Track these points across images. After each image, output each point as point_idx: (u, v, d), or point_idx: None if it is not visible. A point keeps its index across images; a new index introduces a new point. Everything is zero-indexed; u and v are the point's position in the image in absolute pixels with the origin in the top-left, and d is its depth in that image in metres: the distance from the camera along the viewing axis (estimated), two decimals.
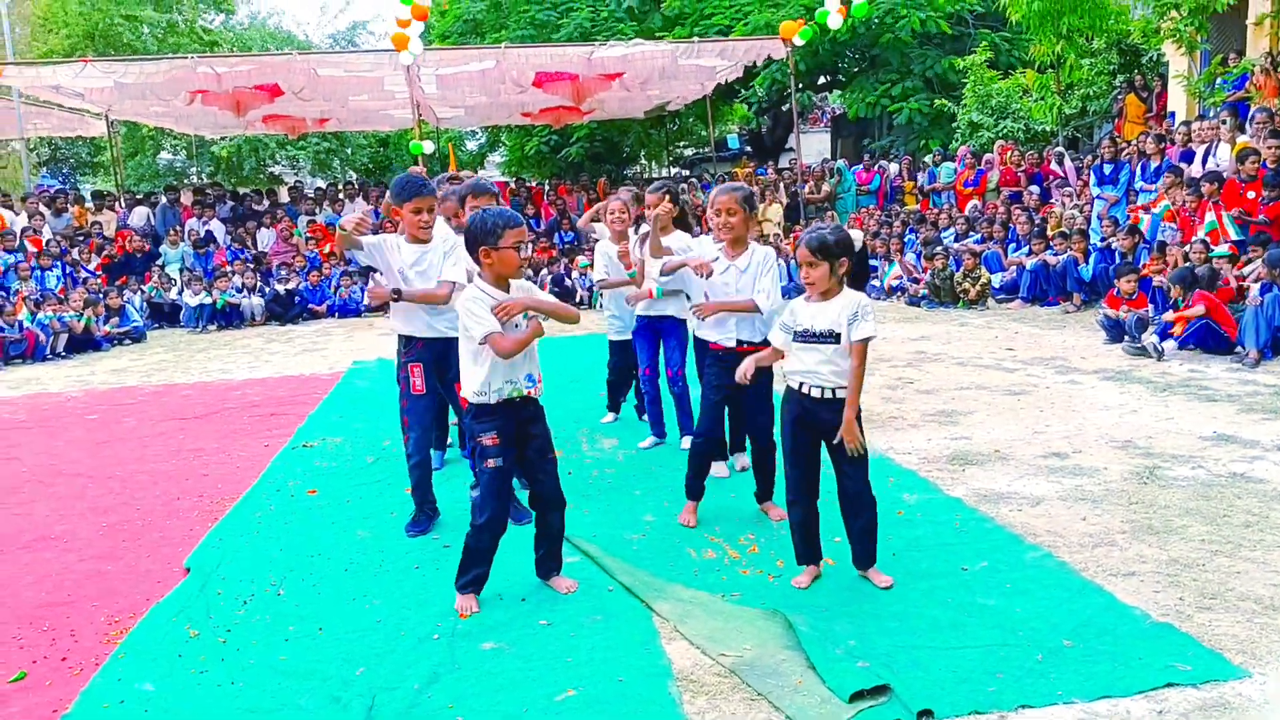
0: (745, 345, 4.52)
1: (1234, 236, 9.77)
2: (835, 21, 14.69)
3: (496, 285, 3.79)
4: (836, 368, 3.74)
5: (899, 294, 13.20)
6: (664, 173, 25.50)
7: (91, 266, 14.92)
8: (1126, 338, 8.54)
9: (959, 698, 3.01)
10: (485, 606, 3.84)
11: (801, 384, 3.82)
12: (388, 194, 4.92)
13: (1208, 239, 9.82)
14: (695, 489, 4.75)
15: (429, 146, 16.10)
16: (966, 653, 3.29)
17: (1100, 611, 3.55)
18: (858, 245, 3.83)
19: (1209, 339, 8.21)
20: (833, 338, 3.73)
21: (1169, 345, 8.25)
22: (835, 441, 3.77)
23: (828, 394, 3.77)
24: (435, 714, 3.10)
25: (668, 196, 5.38)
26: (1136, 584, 3.77)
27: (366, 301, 14.21)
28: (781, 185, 17.62)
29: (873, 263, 14.48)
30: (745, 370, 4.04)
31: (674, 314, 5.78)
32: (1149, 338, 8.41)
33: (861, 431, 3.77)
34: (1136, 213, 11.64)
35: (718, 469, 5.44)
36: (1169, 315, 8.50)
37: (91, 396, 9.13)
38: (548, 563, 4.05)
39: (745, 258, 4.58)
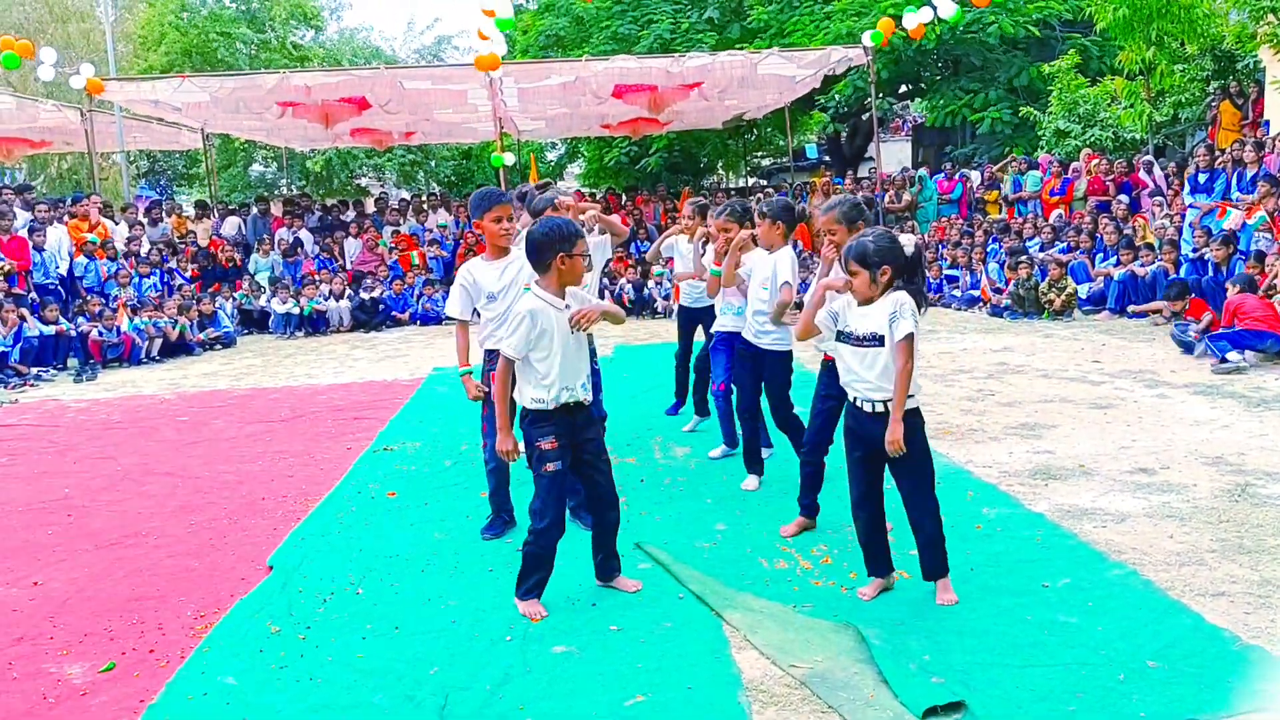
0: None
1: None
2: (916, 20, 14.46)
3: (557, 292, 3.85)
4: (883, 374, 3.71)
5: (981, 304, 12.94)
6: (741, 183, 25.40)
7: (187, 274, 15.46)
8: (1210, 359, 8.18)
9: (1036, 717, 2.94)
10: (555, 611, 3.88)
11: (855, 397, 3.83)
12: (471, 209, 4.99)
13: None
14: (809, 508, 4.74)
15: (509, 158, 16.34)
16: (1045, 671, 3.22)
17: (1187, 632, 3.44)
18: (909, 251, 3.74)
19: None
20: (877, 341, 3.71)
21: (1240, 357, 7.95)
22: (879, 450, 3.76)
23: (878, 408, 3.75)
24: (506, 715, 3.14)
25: (734, 220, 5.50)
26: (1226, 604, 3.64)
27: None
28: (860, 195, 17.43)
29: (953, 272, 14.25)
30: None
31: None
32: (1234, 355, 8.12)
33: (923, 439, 3.73)
34: (1223, 211, 11.25)
35: (748, 482, 5.47)
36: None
37: (183, 399, 9.45)
38: (609, 564, 4.10)
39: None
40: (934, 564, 3.85)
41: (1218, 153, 12.42)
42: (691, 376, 6.99)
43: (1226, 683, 3.07)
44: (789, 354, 5.18)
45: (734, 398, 5.80)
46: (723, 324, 5.86)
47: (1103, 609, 3.66)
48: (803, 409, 5.10)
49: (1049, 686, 3.12)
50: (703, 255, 6.09)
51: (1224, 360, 7.91)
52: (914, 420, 3.78)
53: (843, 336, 3.84)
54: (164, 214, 17.48)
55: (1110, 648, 3.35)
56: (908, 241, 3.78)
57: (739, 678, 3.29)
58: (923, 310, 3.77)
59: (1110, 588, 3.86)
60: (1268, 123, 14.12)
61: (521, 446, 3.96)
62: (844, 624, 3.64)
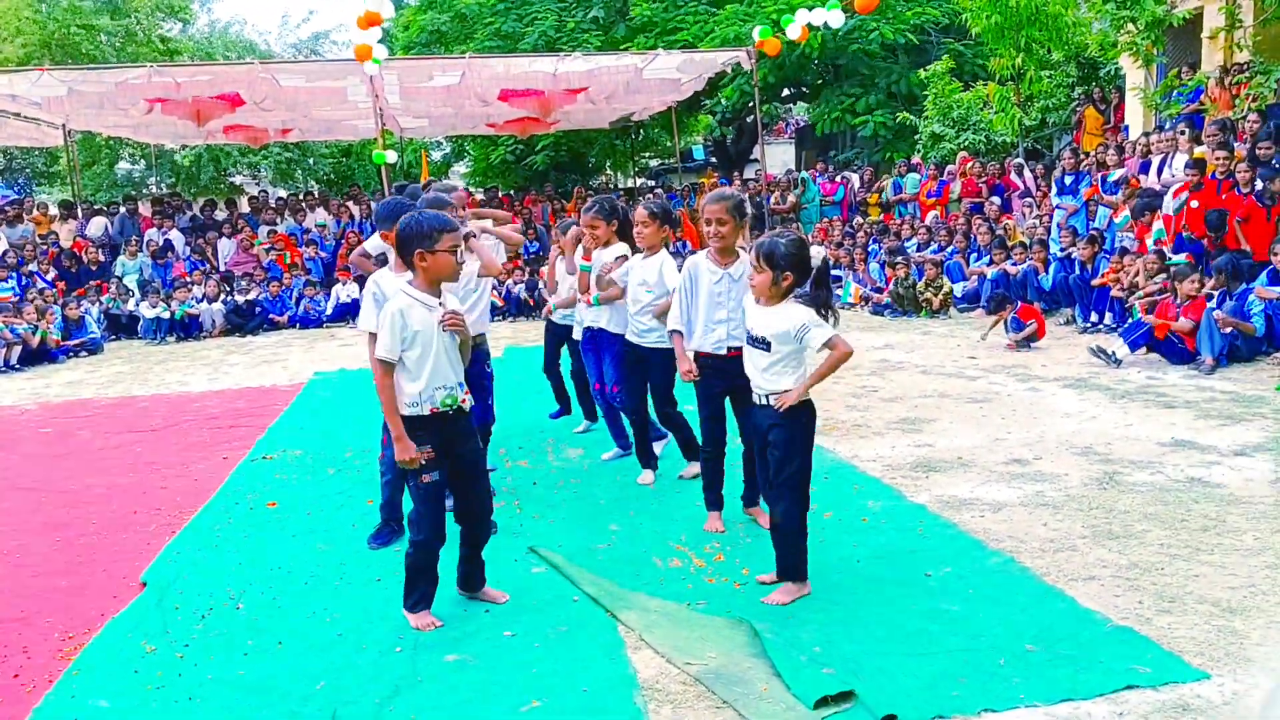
0: (735, 350, 4.39)
1: (1171, 246, 9.95)
2: (794, 32, 14.78)
3: (429, 290, 3.70)
4: (765, 373, 3.87)
5: (864, 303, 13.29)
6: (629, 183, 25.51)
7: (49, 277, 14.67)
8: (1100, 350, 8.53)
9: (923, 703, 3.02)
10: (447, 619, 3.80)
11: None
12: (377, 219, 4.78)
13: (1160, 246, 10.00)
14: (713, 500, 4.77)
15: (392, 156, 16.01)
16: (930, 658, 3.31)
17: (1062, 616, 3.58)
18: (816, 262, 3.83)
19: (1161, 344, 8.33)
20: (764, 344, 3.83)
21: (1122, 350, 8.35)
22: (767, 439, 3.90)
23: (761, 400, 3.91)
24: None
25: (601, 217, 5.56)
26: (1097, 588, 3.80)
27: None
28: (747, 196, 17.68)
29: (836, 272, 14.59)
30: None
31: (610, 328, 5.70)
32: (1111, 342, 8.54)
33: (804, 430, 3.86)
34: (1092, 196, 11.86)
35: (644, 477, 5.51)
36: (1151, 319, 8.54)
37: (46, 409, 8.96)
38: (476, 576, 3.99)
39: (737, 266, 4.52)
40: (782, 562, 3.89)
41: (1082, 156, 13.03)
42: (570, 385, 6.95)
43: (1100, 663, 3.20)
44: (671, 350, 5.19)
45: (619, 395, 5.78)
46: (587, 319, 5.83)
47: (983, 596, 3.79)
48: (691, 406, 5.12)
49: (934, 673, 3.20)
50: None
51: (1110, 355, 8.26)
52: (805, 413, 3.87)
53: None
54: (23, 213, 16.55)
55: (991, 633, 3.47)
56: (817, 253, 3.86)
57: (635, 678, 3.28)
58: (833, 320, 3.85)
59: (989, 575, 3.99)
60: (1127, 127, 14.90)
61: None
62: (737, 620, 3.67)
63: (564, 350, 6.85)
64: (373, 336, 4.44)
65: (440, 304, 3.71)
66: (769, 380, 3.84)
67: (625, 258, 5.50)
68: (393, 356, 3.61)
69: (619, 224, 5.63)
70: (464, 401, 3.76)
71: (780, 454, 3.83)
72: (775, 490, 3.88)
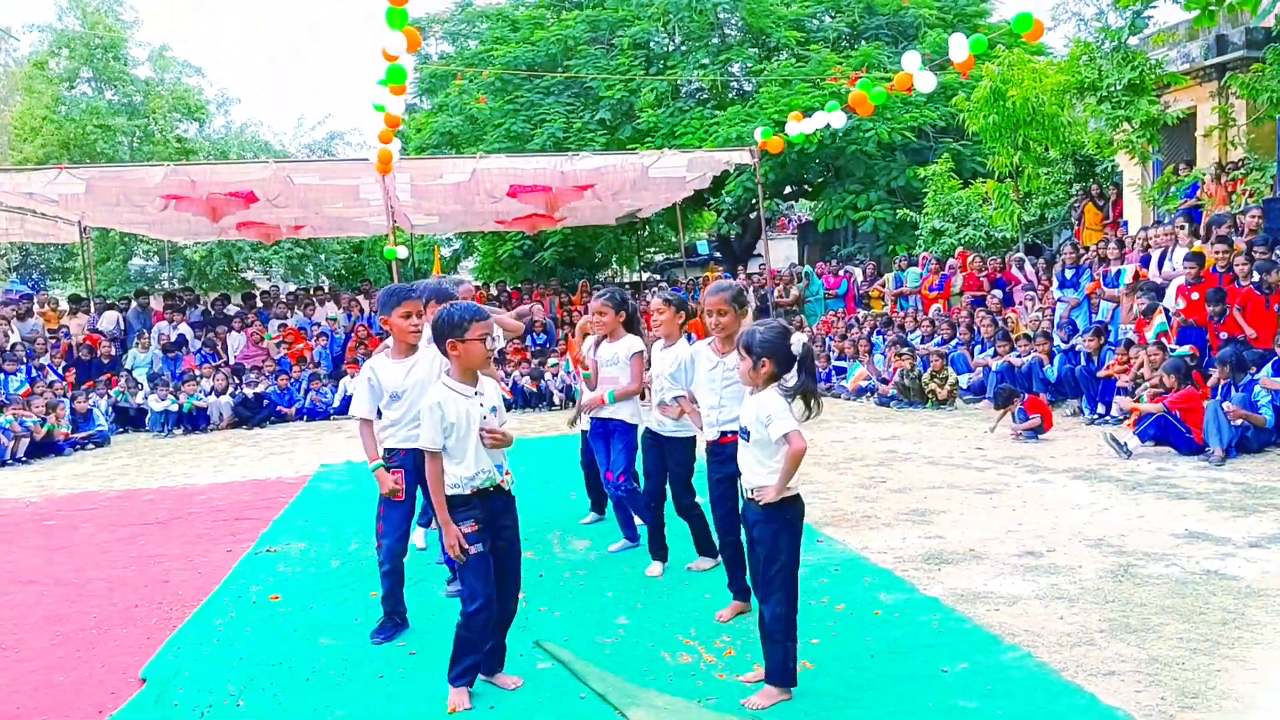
0: (726, 436, 4.49)
1: (1176, 338, 10.00)
2: (794, 129, 15.15)
3: (463, 379, 3.84)
4: (745, 466, 3.86)
5: (869, 394, 13.30)
6: (635, 277, 25.81)
7: (60, 371, 14.77)
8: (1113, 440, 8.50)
9: None
10: (472, 708, 3.72)
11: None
12: (380, 305, 4.89)
13: (1163, 339, 10.04)
14: (738, 588, 4.77)
15: (403, 252, 16.25)
16: None
17: (1083, 713, 3.49)
18: (796, 349, 3.80)
19: (1171, 435, 8.30)
20: (744, 434, 3.85)
21: (1133, 441, 8.32)
22: (753, 535, 3.86)
23: (746, 493, 3.89)
24: None
25: (611, 306, 5.66)
26: (1117, 684, 3.72)
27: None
28: (751, 289, 17.87)
29: (840, 363, 14.64)
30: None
31: (624, 418, 5.74)
32: (1123, 433, 8.51)
33: (786, 529, 3.76)
34: (1095, 291, 11.95)
35: (653, 569, 5.47)
36: (1128, 403, 8.55)
37: (50, 502, 8.92)
38: (494, 657, 3.98)
39: (733, 356, 4.57)
40: (769, 664, 3.77)
41: (1082, 250, 13.19)
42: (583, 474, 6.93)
43: None
44: (692, 440, 5.20)
45: (625, 485, 5.76)
46: (595, 411, 5.85)
47: (1000, 692, 3.70)
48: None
49: None
50: (594, 351, 6.04)
51: (1121, 445, 8.24)
52: (789, 508, 3.79)
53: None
54: (33, 308, 16.74)
55: None
56: (797, 340, 3.83)
57: None
58: (815, 410, 3.81)
59: (1006, 671, 3.91)
60: (1125, 223, 15.11)
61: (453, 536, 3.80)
62: (751, 717, 3.58)
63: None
64: (364, 422, 4.62)
65: (478, 393, 3.85)
66: (749, 474, 3.84)
67: (641, 354, 5.58)
68: (436, 446, 3.75)
69: (627, 316, 5.72)
70: (503, 482, 3.92)
71: (764, 551, 3.77)
72: (763, 590, 3.81)
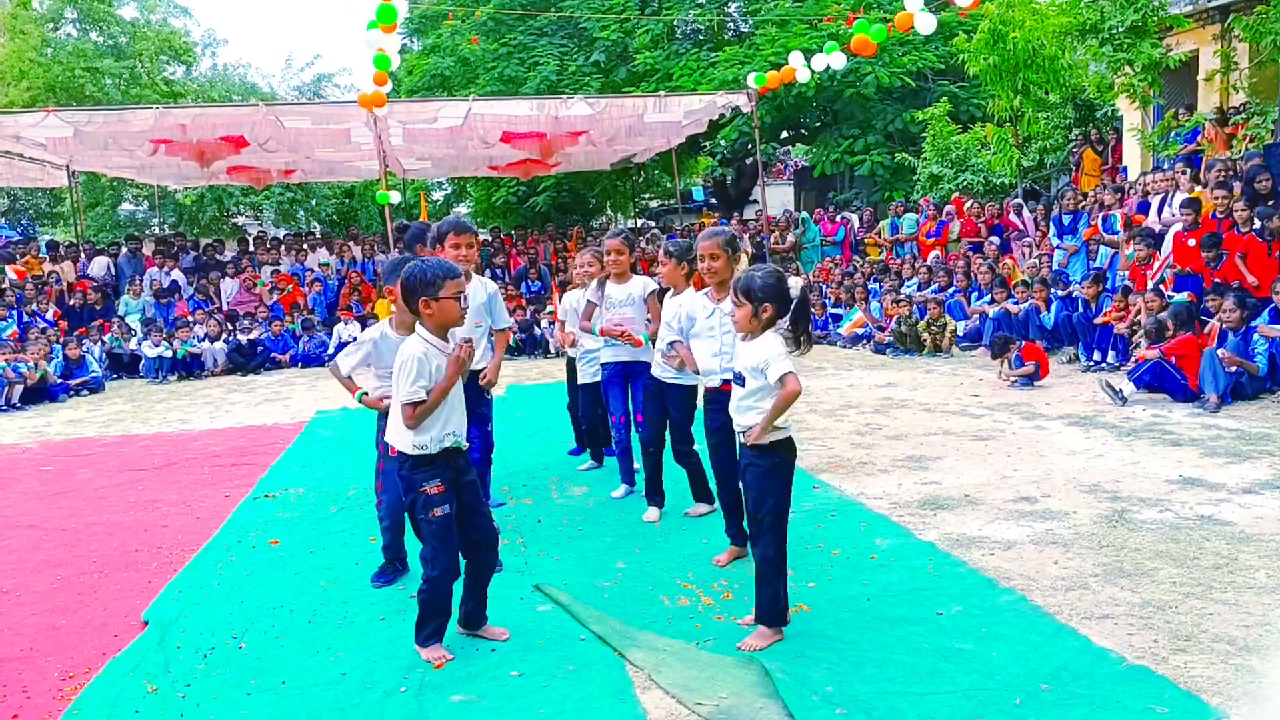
0: (728, 385, 4.46)
1: (1173, 285, 10.00)
2: (802, 75, 14.93)
3: (436, 334, 3.72)
4: (738, 409, 3.86)
5: (865, 341, 13.30)
6: (630, 223, 25.65)
7: (49, 316, 14.69)
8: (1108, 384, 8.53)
9: None
10: (454, 658, 3.75)
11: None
12: (385, 276, 4.72)
13: (1161, 287, 10.03)
14: (735, 533, 4.80)
15: (395, 197, 16.11)
16: (944, 698, 3.26)
17: (1076, 655, 3.53)
18: (794, 293, 3.84)
19: (1166, 382, 8.33)
20: (740, 380, 3.84)
21: (1128, 388, 8.35)
22: (745, 478, 3.89)
23: (740, 437, 3.89)
24: None
25: (626, 244, 5.77)
26: (1110, 627, 3.76)
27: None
28: (747, 236, 17.78)
29: (836, 310, 14.62)
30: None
31: (648, 359, 5.75)
32: (1119, 379, 8.54)
33: (777, 472, 3.78)
34: (1093, 236, 11.92)
35: (650, 514, 5.51)
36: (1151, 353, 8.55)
37: (47, 448, 8.92)
38: (479, 614, 3.96)
39: (729, 301, 4.57)
40: (760, 606, 3.81)
41: (1081, 196, 13.11)
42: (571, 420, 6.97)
43: (1116, 702, 3.15)
44: (694, 389, 5.19)
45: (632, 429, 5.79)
46: (612, 356, 5.84)
47: (995, 635, 3.74)
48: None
49: (948, 712, 3.15)
50: (601, 292, 6.00)
51: (1116, 392, 8.27)
52: (780, 451, 3.80)
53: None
54: (16, 253, 16.60)
55: (1005, 672, 3.42)
56: (794, 284, 3.88)
57: (645, 718, 3.23)
58: (805, 349, 3.83)
59: (1001, 614, 3.95)
60: (1124, 169, 15.01)
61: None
62: (748, 659, 3.62)
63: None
64: (348, 380, 4.63)
65: (450, 348, 3.73)
66: (741, 415, 3.85)
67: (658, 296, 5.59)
68: (421, 396, 3.60)
69: (633, 259, 5.78)
70: (465, 445, 3.83)
71: (754, 494, 3.80)
72: (753, 532, 3.84)
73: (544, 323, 14.65)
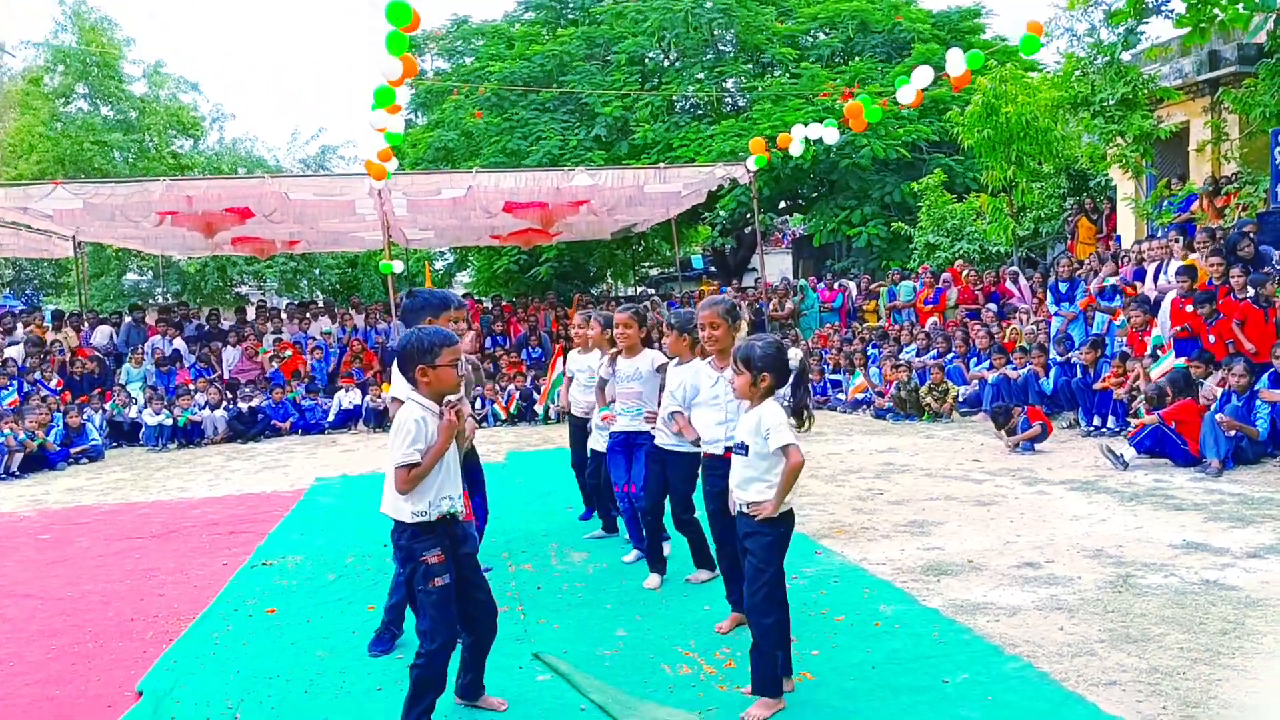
0: (730, 452, 4.48)
1: (1173, 350, 10.04)
2: (796, 145, 15.18)
3: (434, 402, 3.71)
4: (743, 481, 3.85)
5: (865, 407, 13.30)
6: (630, 291, 25.85)
7: (52, 384, 14.71)
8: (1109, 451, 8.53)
9: None
10: None
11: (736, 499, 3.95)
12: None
13: (1159, 352, 10.07)
14: (736, 599, 4.73)
15: (398, 266, 16.23)
16: None
17: None
18: (793, 363, 3.91)
19: (1167, 447, 8.32)
20: (742, 448, 3.86)
21: (1129, 453, 8.34)
22: (744, 545, 3.87)
23: (740, 508, 3.88)
24: None
25: (636, 319, 5.80)
26: (1119, 694, 3.71)
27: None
28: (746, 304, 17.90)
29: (835, 377, 14.65)
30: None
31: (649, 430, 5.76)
32: (1120, 444, 8.53)
33: (774, 544, 3.79)
34: (1089, 305, 11.98)
35: (650, 581, 5.48)
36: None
37: (44, 516, 8.87)
38: (477, 684, 3.90)
39: (731, 370, 4.60)
40: (756, 676, 3.77)
41: (1076, 264, 13.23)
42: (588, 484, 6.93)
43: None
44: (695, 456, 5.19)
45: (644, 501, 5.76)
46: (621, 425, 5.85)
47: (1002, 703, 3.69)
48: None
49: None
50: (613, 367, 6.05)
51: (1118, 457, 8.26)
52: (781, 522, 3.81)
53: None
54: (16, 323, 16.69)
55: None
56: (794, 355, 3.92)
57: None
58: (807, 425, 3.87)
59: (1007, 681, 3.90)
60: (1118, 238, 15.16)
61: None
62: None
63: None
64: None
65: (440, 414, 3.72)
66: (743, 490, 3.84)
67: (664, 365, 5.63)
68: (417, 458, 3.58)
69: (646, 332, 5.84)
70: (465, 515, 3.81)
71: (757, 561, 3.79)
72: (750, 600, 3.81)
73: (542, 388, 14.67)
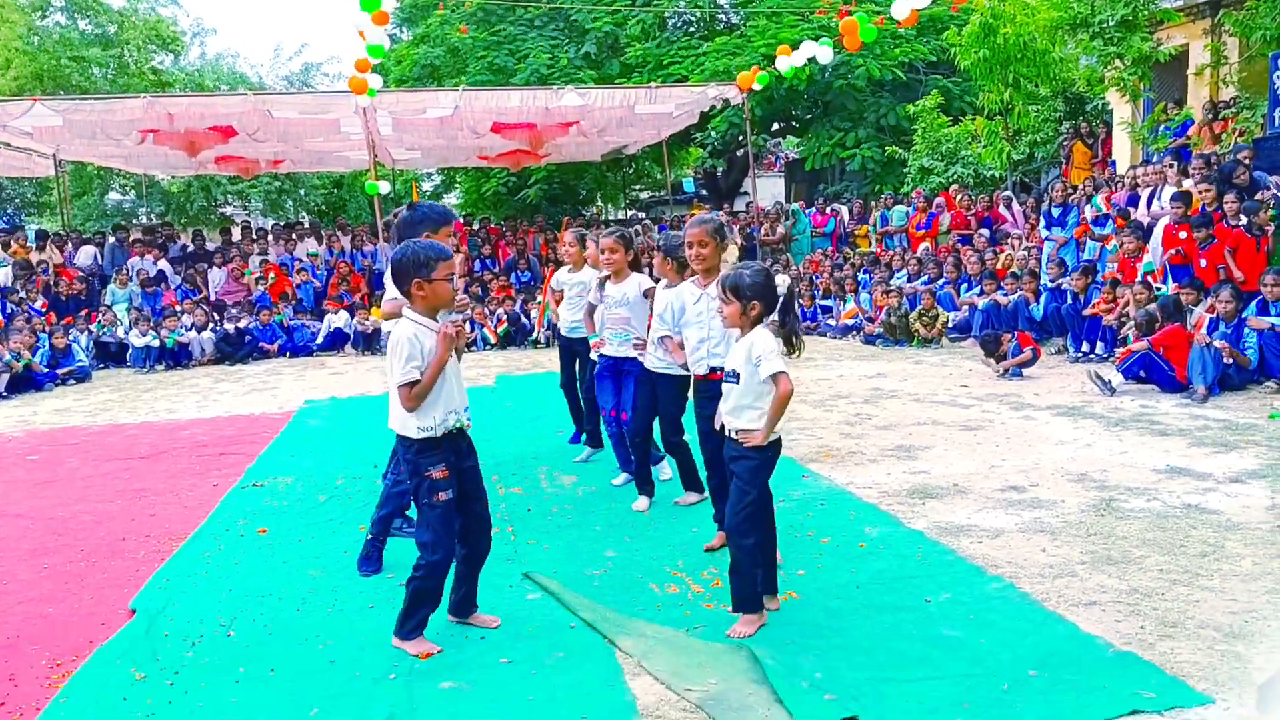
0: (715, 373, 4.49)
1: (1163, 277, 10.04)
2: (785, 65, 14.93)
3: (426, 316, 3.69)
4: (734, 410, 3.84)
5: (855, 332, 13.32)
6: (620, 215, 25.63)
7: (37, 305, 14.60)
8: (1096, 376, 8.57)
9: None
10: (442, 646, 3.74)
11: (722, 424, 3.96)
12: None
13: (1149, 279, 10.06)
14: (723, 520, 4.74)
15: (384, 187, 16.04)
16: (933, 684, 3.27)
17: (1064, 641, 3.55)
18: (781, 290, 3.86)
19: (1154, 374, 8.37)
20: (734, 377, 3.84)
21: (1117, 379, 8.39)
22: (731, 469, 3.90)
23: (729, 433, 3.89)
24: None
25: (621, 243, 5.73)
26: (1098, 614, 3.78)
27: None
28: (737, 228, 17.78)
29: (826, 303, 14.64)
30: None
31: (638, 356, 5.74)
32: (1106, 371, 8.57)
33: (759, 468, 3.82)
34: (1084, 234, 11.94)
35: (639, 503, 5.52)
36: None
37: (33, 437, 8.87)
38: (469, 601, 3.96)
39: (715, 287, 4.58)
40: (735, 594, 3.83)
41: (1070, 189, 13.14)
42: (583, 405, 6.92)
43: (1103, 688, 3.17)
44: (684, 379, 5.19)
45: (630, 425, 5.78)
46: (608, 350, 5.85)
47: (983, 621, 3.75)
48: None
49: (937, 699, 3.16)
50: (601, 292, 6.01)
51: (1105, 383, 8.31)
52: (769, 447, 3.83)
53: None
54: (7, 241, 16.50)
55: (993, 659, 3.43)
56: (782, 281, 3.88)
57: (634, 705, 3.23)
58: (797, 353, 3.87)
59: (989, 601, 3.96)
60: (1113, 163, 15.04)
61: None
62: (737, 646, 3.63)
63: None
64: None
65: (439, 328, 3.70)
66: (734, 417, 3.84)
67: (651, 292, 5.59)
68: (416, 375, 3.59)
69: (634, 256, 5.78)
70: (467, 424, 3.81)
71: (742, 484, 3.82)
72: (731, 521, 3.84)
73: (533, 313, 14.63)
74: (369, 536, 4.73)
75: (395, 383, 3.62)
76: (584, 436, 6.98)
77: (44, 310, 14.52)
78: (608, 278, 5.87)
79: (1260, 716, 2.83)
